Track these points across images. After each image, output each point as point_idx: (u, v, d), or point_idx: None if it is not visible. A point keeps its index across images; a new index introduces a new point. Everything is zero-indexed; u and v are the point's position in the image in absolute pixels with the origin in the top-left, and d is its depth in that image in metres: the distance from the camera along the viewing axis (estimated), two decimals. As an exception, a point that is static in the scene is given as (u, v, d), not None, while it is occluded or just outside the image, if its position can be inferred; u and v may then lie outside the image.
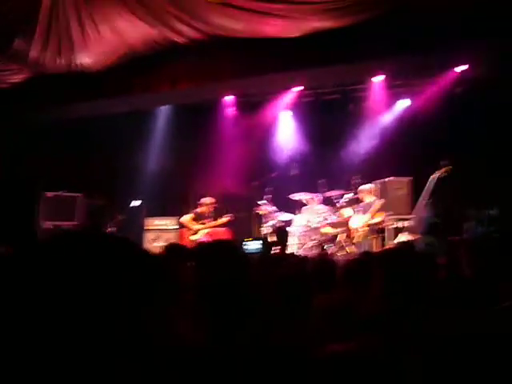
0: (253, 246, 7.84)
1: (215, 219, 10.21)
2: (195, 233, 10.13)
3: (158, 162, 11.70)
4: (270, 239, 9.78)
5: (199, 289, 2.10)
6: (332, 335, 2.47)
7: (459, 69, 9.72)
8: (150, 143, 11.90)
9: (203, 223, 10.17)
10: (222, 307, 1.99)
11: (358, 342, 2.14)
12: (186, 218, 10.24)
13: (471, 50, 8.33)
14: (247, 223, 11.46)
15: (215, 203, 10.30)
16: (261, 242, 7.37)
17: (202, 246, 3.32)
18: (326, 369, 1.89)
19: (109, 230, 10.55)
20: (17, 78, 9.72)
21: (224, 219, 10.21)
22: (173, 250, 4.53)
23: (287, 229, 10.19)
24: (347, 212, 10.08)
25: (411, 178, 9.80)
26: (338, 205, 10.24)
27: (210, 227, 10.14)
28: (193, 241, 9.97)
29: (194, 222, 10.19)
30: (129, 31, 8.61)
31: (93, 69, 9.41)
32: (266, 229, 10.39)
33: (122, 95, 9.87)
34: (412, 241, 8.16)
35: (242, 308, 1.98)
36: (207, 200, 10.29)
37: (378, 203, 9.27)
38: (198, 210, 10.28)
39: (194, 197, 11.89)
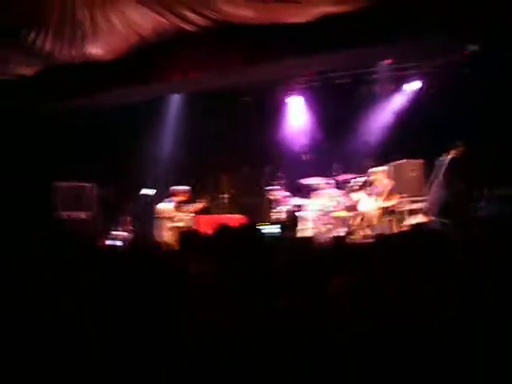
0: (269, 230, 7.89)
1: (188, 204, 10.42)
2: (172, 220, 10.22)
3: (170, 149, 11.78)
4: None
5: (223, 275, 2.16)
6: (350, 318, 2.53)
7: (469, 49, 9.67)
8: (162, 131, 11.97)
9: (180, 209, 10.29)
10: (247, 292, 2.05)
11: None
12: (165, 208, 10.30)
13: (479, 30, 8.28)
14: (261, 208, 11.55)
15: (190, 191, 10.45)
16: (279, 226, 7.45)
17: (227, 232, 3.40)
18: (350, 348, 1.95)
19: (122, 218, 10.67)
20: (28, 70, 9.79)
21: (199, 205, 10.39)
22: (187, 238, 4.60)
23: (300, 213, 10.22)
24: (360, 195, 10.12)
25: (424, 160, 9.82)
26: (353, 188, 10.27)
27: (189, 213, 10.33)
28: (173, 228, 10.11)
29: (173, 211, 10.28)
30: (139, 21, 8.63)
31: (105, 59, 9.47)
32: (277, 213, 10.46)
33: (134, 85, 9.93)
34: (426, 222, 8.21)
35: (268, 291, 2.05)
36: (183, 189, 10.39)
37: (390, 186, 9.30)
38: (176, 198, 10.34)
39: (207, 183, 12.01)
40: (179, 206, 10.34)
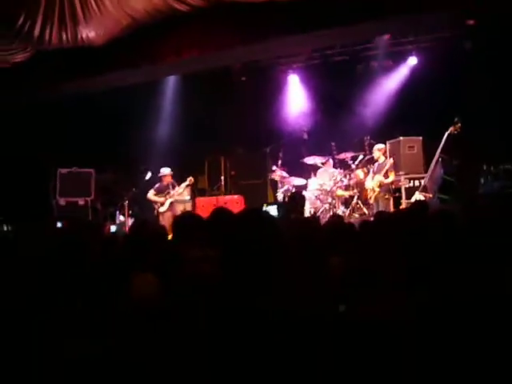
0: (271, 211, 7.85)
1: (178, 186, 10.35)
2: (162, 205, 10.22)
3: (169, 132, 11.69)
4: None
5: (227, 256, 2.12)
6: (352, 297, 2.48)
7: (468, 23, 9.50)
8: (160, 114, 11.89)
9: (168, 193, 10.25)
10: (250, 270, 2.01)
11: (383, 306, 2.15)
12: (149, 194, 10.32)
13: (478, 4, 8.13)
14: (262, 189, 11.51)
15: (171, 173, 10.40)
16: (276, 206, 7.39)
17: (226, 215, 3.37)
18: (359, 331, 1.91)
19: (123, 203, 10.62)
20: (22, 57, 9.66)
21: (184, 184, 10.30)
22: (184, 222, 4.52)
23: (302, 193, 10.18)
24: (361, 173, 10.08)
25: (422, 137, 9.74)
26: (352, 166, 10.22)
27: (175, 196, 10.28)
28: (161, 213, 10.14)
29: (157, 196, 10.28)
30: (131, 2, 8.50)
31: (98, 42, 9.33)
32: (280, 194, 10.43)
33: (129, 68, 9.81)
34: (426, 200, 8.15)
35: (269, 270, 2.01)
36: (164, 171, 10.36)
37: (388, 163, 9.24)
38: (158, 184, 10.35)
39: (207, 166, 11.94)
40: (163, 190, 10.30)
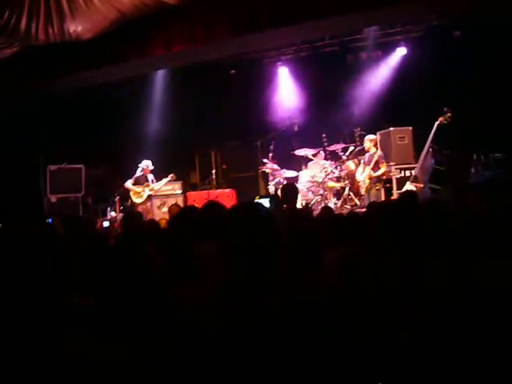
0: (263, 203, 7.83)
1: (158, 180, 10.46)
2: (139, 196, 10.29)
3: (159, 126, 11.64)
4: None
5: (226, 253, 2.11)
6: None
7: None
8: (149, 108, 11.84)
9: (147, 185, 10.30)
10: (248, 262, 2.00)
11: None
12: (128, 183, 10.34)
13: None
14: (254, 182, 11.49)
15: (152, 168, 10.44)
16: (268, 199, 7.37)
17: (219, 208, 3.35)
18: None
19: (114, 199, 10.59)
20: (8, 52, 9.58)
21: (165, 180, 10.40)
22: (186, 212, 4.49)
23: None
24: (352, 164, 10.08)
25: (413, 127, 9.75)
26: (343, 157, 10.22)
27: (154, 189, 10.38)
28: (138, 203, 10.22)
29: (136, 186, 10.31)
30: (117, -4, 8.43)
31: (85, 37, 9.25)
32: (272, 186, 10.43)
33: (117, 62, 9.74)
34: (417, 190, 8.16)
35: (265, 262, 2.00)
36: (144, 163, 10.38)
37: (377, 155, 9.22)
38: (137, 174, 10.37)
39: (198, 160, 11.90)
40: (141, 182, 10.32)
